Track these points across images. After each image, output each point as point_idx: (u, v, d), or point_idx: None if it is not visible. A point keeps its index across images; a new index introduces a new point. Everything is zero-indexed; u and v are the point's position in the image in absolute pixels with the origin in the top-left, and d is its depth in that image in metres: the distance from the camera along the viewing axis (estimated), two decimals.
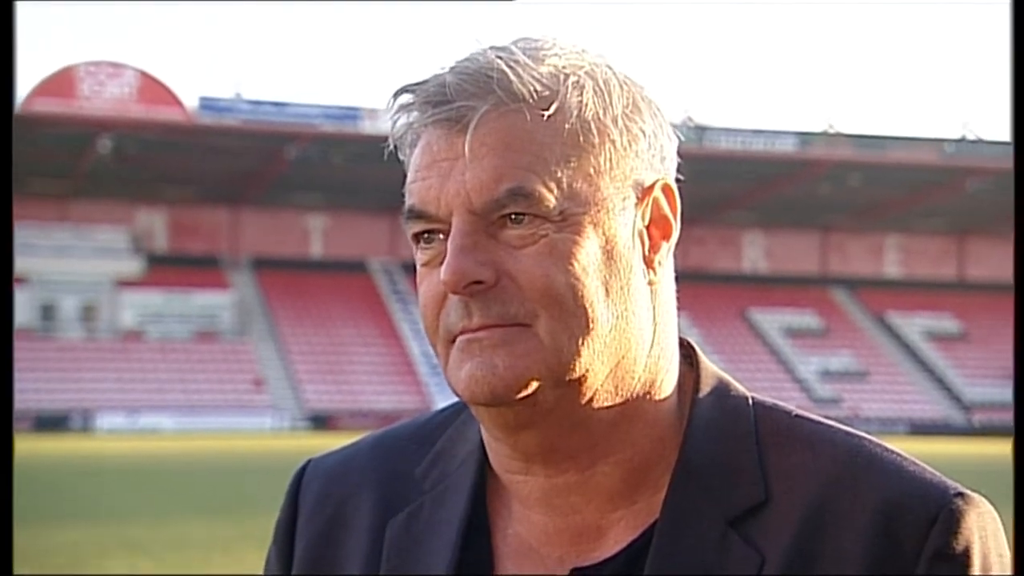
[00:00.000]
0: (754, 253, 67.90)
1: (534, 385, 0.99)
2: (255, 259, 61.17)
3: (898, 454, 1.05)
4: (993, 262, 65.44)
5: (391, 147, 1.06)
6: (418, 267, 1.04)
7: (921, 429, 52.91)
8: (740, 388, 1.09)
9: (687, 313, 58.84)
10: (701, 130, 55.03)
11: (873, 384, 59.62)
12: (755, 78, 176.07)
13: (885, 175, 58.38)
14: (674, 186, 1.06)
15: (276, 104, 54.01)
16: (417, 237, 1.03)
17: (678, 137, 1.09)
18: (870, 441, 1.06)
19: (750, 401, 1.08)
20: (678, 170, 1.09)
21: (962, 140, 58.80)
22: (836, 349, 61.56)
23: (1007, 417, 47.28)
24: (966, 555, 0.99)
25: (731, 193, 60.15)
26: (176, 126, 52.21)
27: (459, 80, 1.00)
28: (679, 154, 1.09)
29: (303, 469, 1.18)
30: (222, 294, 58.83)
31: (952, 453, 31.35)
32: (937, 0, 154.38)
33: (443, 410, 1.17)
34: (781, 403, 1.10)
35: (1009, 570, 1.02)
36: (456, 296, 1.00)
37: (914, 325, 64.00)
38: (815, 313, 64.32)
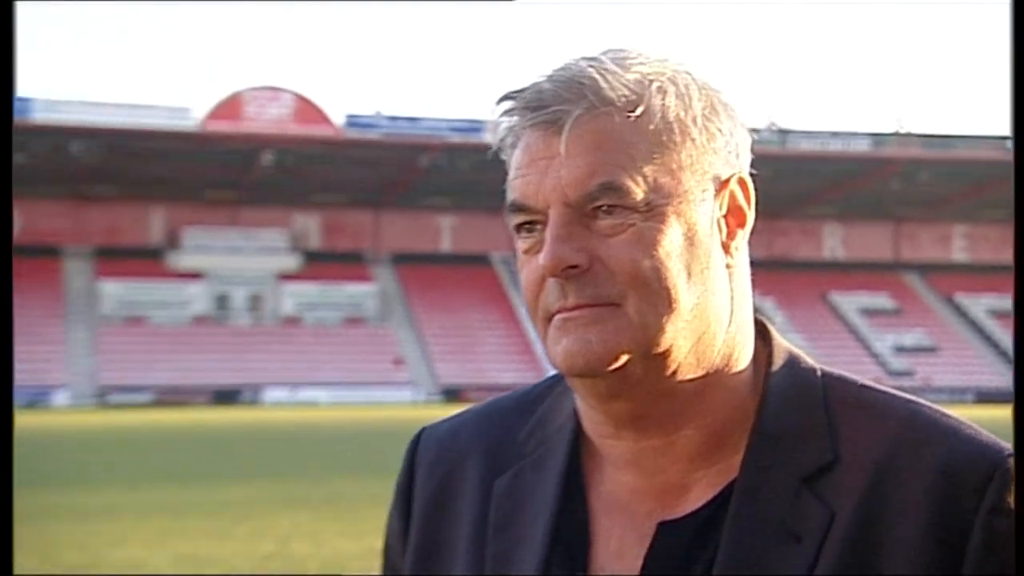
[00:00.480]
0: (833, 242, 66.62)
1: (624, 358, 0.97)
2: (394, 255, 61.93)
3: (955, 419, 1.02)
4: None
5: (495, 148, 1.05)
6: (519, 254, 1.03)
7: (987, 397, 51.42)
8: (810, 361, 1.07)
9: (773, 297, 57.98)
10: (784, 133, 54.07)
11: (943, 357, 58.15)
12: (832, 85, 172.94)
13: (952, 170, 56.85)
14: (748, 179, 1.04)
15: (411, 119, 54.57)
16: (519, 228, 1.02)
17: (752, 136, 1.06)
18: (929, 407, 1.03)
19: (819, 372, 1.06)
20: (760, 167, 1.06)
21: None
22: (909, 327, 60.18)
23: None
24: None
25: (812, 189, 59.10)
26: (326, 141, 53.11)
27: (554, 87, 0.99)
28: (764, 155, 1.07)
29: (418, 437, 1.17)
30: (367, 285, 59.71)
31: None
32: (997, 2, 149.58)
33: (542, 382, 1.16)
34: (848, 374, 1.07)
35: None
36: (554, 279, 0.98)
37: (980, 304, 62.23)
38: (889, 295, 62.92)
